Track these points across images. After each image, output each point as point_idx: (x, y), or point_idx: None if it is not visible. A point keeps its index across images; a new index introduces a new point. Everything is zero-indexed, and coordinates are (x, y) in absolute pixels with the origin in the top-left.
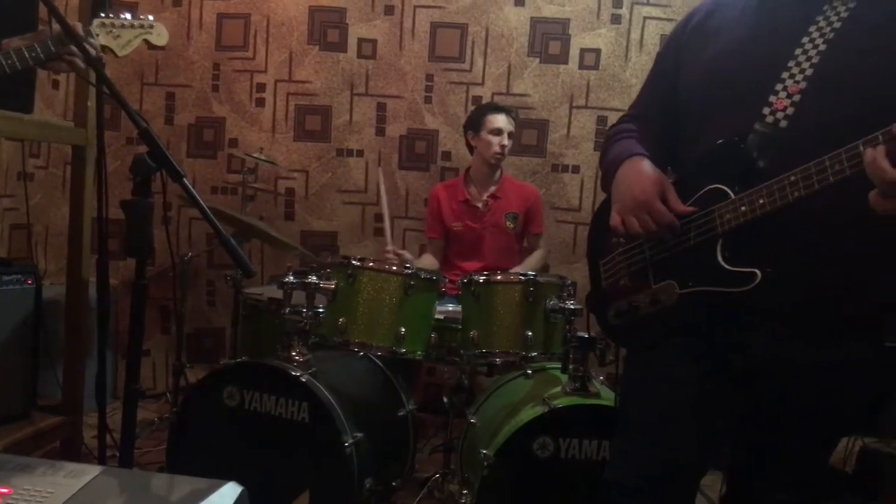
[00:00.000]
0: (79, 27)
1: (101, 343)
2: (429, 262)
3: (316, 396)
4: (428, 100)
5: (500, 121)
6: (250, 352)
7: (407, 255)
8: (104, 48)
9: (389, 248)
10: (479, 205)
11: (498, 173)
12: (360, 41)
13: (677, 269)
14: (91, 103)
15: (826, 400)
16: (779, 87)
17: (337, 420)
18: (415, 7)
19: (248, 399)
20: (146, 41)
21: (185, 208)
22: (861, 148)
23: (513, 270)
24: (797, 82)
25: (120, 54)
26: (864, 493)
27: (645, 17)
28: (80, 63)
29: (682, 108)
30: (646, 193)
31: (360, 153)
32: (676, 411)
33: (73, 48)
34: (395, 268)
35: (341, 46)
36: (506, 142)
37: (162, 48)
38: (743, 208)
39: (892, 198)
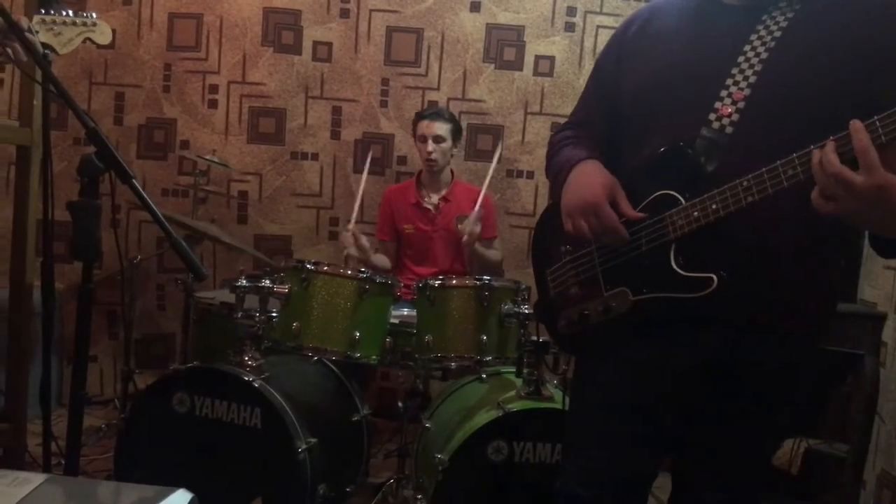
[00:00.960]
0: (24, 21)
1: (45, 348)
2: (381, 260)
3: (269, 402)
4: (384, 104)
5: (423, 127)
6: (201, 357)
7: (365, 241)
8: (45, 46)
9: (351, 226)
10: (431, 207)
11: (447, 177)
12: (316, 44)
13: (630, 276)
14: (37, 102)
15: (769, 401)
16: (723, 93)
17: (290, 426)
18: (370, 11)
19: (198, 405)
20: (89, 39)
21: (135, 211)
22: (814, 151)
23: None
24: (741, 89)
25: (61, 52)
26: (808, 494)
27: (598, 26)
28: (21, 54)
29: (625, 114)
30: (595, 196)
31: (315, 156)
32: (626, 420)
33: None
34: (350, 252)
35: (296, 49)
36: (431, 147)
37: (110, 47)
38: (696, 214)
39: (834, 200)
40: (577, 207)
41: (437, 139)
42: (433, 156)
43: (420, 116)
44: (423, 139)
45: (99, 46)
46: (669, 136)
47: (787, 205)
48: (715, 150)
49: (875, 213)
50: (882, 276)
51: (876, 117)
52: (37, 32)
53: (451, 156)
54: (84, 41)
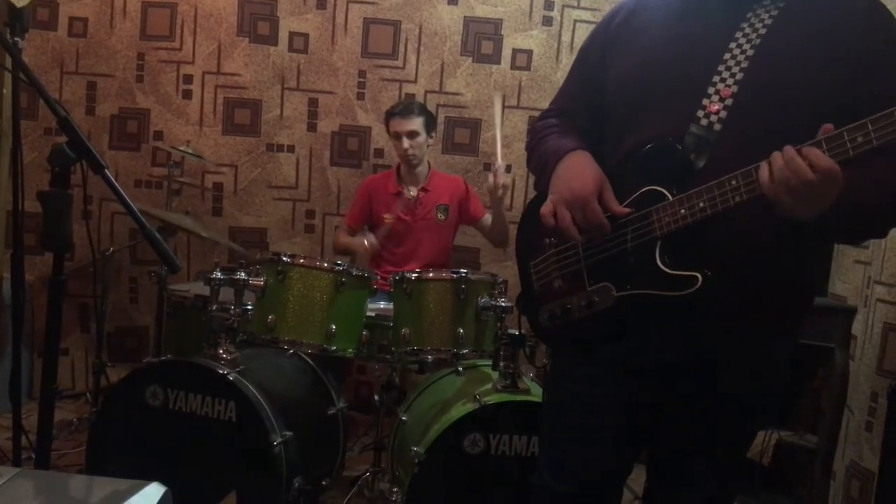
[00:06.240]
0: None
1: (15, 341)
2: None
3: (244, 395)
4: (360, 96)
5: (395, 124)
6: (175, 350)
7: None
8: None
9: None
10: (411, 197)
11: (425, 169)
12: (292, 34)
13: (614, 272)
14: (6, 90)
15: (747, 397)
16: (711, 90)
17: (265, 419)
18: (347, 2)
19: (172, 398)
20: None
21: (107, 202)
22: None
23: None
24: (728, 86)
25: (19, 5)
26: (779, 484)
27: (575, 20)
28: None
29: (608, 106)
30: (585, 188)
31: (291, 148)
32: (602, 414)
33: None
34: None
35: (272, 39)
36: (406, 144)
37: (83, 36)
38: (682, 211)
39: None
40: (564, 198)
41: (412, 134)
42: (410, 152)
43: (391, 114)
44: (398, 136)
45: (70, 35)
46: (656, 132)
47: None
48: (704, 147)
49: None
50: (852, 270)
51: (868, 119)
52: None
53: (428, 146)
54: None
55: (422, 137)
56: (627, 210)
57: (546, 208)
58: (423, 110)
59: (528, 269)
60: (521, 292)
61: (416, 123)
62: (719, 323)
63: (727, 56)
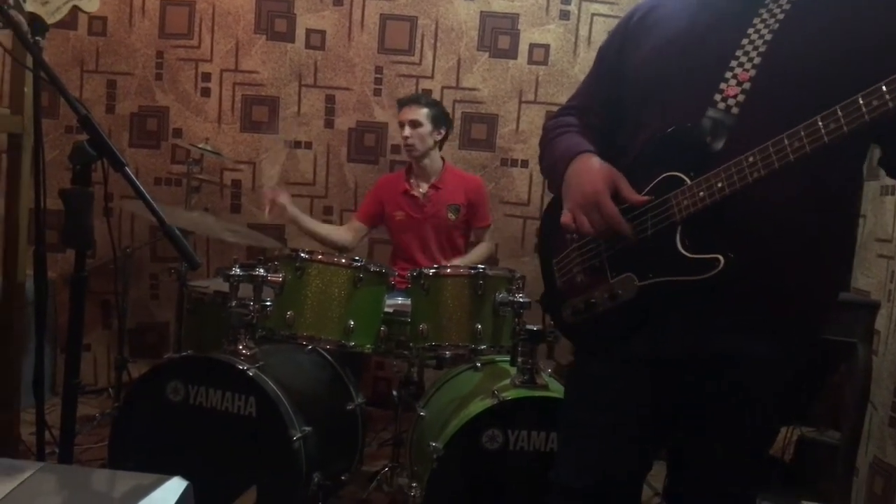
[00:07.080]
0: None
1: (38, 337)
2: (332, 231)
3: (263, 390)
4: (377, 92)
5: (402, 113)
6: (195, 346)
7: (286, 202)
8: (33, 16)
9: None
10: (419, 195)
11: (437, 165)
12: (309, 31)
13: (635, 261)
14: (28, 89)
15: (769, 391)
16: (728, 74)
17: (285, 414)
18: None
19: (193, 394)
20: (77, 7)
21: (127, 199)
22: (819, 123)
23: (455, 262)
24: (746, 70)
25: (50, 22)
26: (802, 481)
27: (593, 14)
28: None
29: (626, 96)
30: (597, 192)
31: (309, 145)
32: (621, 412)
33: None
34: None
35: (289, 36)
36: (407, 132)
37: (102, 34)
38: (701, 193)
39: None
40: (580, 205)
41: (414, 124)
42: (409, 141)
43: (399, 104)
44: (402, 125)
45: (90, 33)
46: (674, 118)
47: (795, 185)
48: (721, 131)
49: None
50: (875, 264)
51: (882, 83)
52: (24, 2)
53: (436, 142)
54: (72, 9)
55: (425, 129)
56: (646, 198)
57: (565, 217)
58: (431, 103)
59: (551, 267)
60: (544, 290)
61: (420, 113)
62: (741, 305)
63: (745, 42)
